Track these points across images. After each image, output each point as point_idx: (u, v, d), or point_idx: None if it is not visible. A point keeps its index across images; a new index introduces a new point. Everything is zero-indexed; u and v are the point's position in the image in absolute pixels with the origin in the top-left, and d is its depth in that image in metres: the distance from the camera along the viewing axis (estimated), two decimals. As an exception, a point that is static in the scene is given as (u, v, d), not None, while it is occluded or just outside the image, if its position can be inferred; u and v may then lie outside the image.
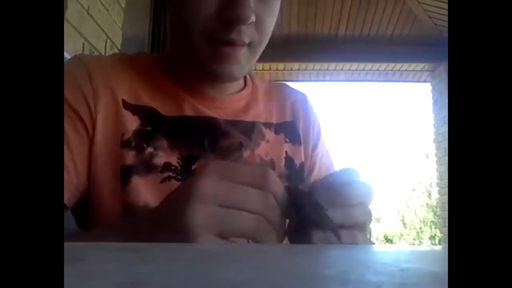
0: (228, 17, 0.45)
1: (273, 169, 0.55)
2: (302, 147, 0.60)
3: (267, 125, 0.58)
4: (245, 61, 0.50)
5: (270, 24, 0.51)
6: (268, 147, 0.56)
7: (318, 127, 0.65)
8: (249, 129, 0.55)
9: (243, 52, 0.49)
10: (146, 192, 0.46)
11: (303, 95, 0.66)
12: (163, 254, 0.19)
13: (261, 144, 0.56)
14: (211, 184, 0.30)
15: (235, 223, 0.30)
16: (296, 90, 0.67)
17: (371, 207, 0.36)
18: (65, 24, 1.23)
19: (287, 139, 0.59)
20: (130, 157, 0.47)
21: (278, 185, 0.32)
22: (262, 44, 0.51)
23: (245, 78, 0.61)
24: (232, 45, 0.47)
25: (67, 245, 0.17)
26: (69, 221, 0.50)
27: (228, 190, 0.30)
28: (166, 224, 0.31)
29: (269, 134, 0.57)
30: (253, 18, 0.46)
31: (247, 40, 0.48)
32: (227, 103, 0.56)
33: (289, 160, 0.58)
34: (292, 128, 0.61)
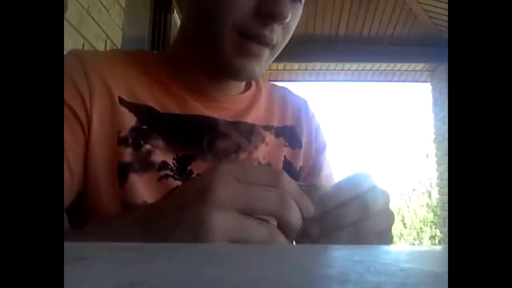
0: (267, 13, 0.46)
1: None
2: (302, 152, 0.60)
3: (267, 128, 0.58)
4: (264, 62, 0.50)
5: (293, 28, 0.52)
6: (267, 150, 0.56)
7: (321, 133, 0.65)
8: (248, 131, 0.55)
9: (266, 53, 0.49)
10: (144, 190, 0.46)
11: (305, 100, 0.66)
12: (163, 254, 0.19)
13: (260, 146, 0.55)
14: (228, 188, 0.29)
15: (252, 230, 0.29)
16: (298, 96, 0.67)
17: (391, 210, 0.37)
18: (65, 24, 1.23)
19: (286, 143, 0.59)
20: (127, 154, 0.47)
21: (293, 184, 0.32)
22: (282, 47, 0.52)
23: None
24: (259, 43, 0.48)
25: (67, 245, 0.17)
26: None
27: (245, 193, 0.29)
28: (175, 224, 0.29)
29: (269, 137, 0.57)
30: (290, 17, 0.47)
31: (275, 40, 0.49)
32: (228, 104, 0.55)
33: (287, 164, 0.57)
34: (292, 133, 0.60)
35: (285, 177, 0.31)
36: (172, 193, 0.35)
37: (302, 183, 0.34)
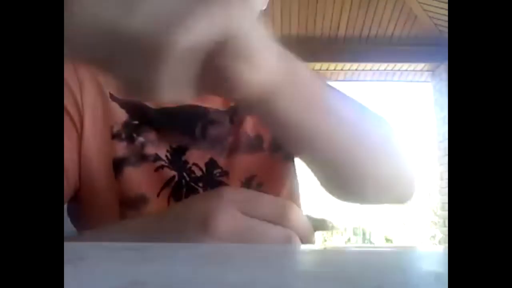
0: None
1: (261, 144, 0.55)
2: None
3: None
4: None
5: None
6: (255, 121, 0.55)
7: None
8: (235, 111, 0.55)
9: None
10: (140, 182, 0.47)
11: None
12: (163, 254, 0.19)
13: (246, 118, 0.55)
14: (231, 221, 0.29)
15: None
16: None
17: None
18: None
19: None
20: (121, 148, 0.47)
21: (299, 220, 0.31)
22: None
23: None
24: None
25: (67, 245, 0.17)
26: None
27: (249, 230, 0.29)
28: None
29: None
30: None
31: None
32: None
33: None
34: None
35: (293, 212, 0.31)
36: (173, 211, 0.35)
37: (312, 216, 0.34)
